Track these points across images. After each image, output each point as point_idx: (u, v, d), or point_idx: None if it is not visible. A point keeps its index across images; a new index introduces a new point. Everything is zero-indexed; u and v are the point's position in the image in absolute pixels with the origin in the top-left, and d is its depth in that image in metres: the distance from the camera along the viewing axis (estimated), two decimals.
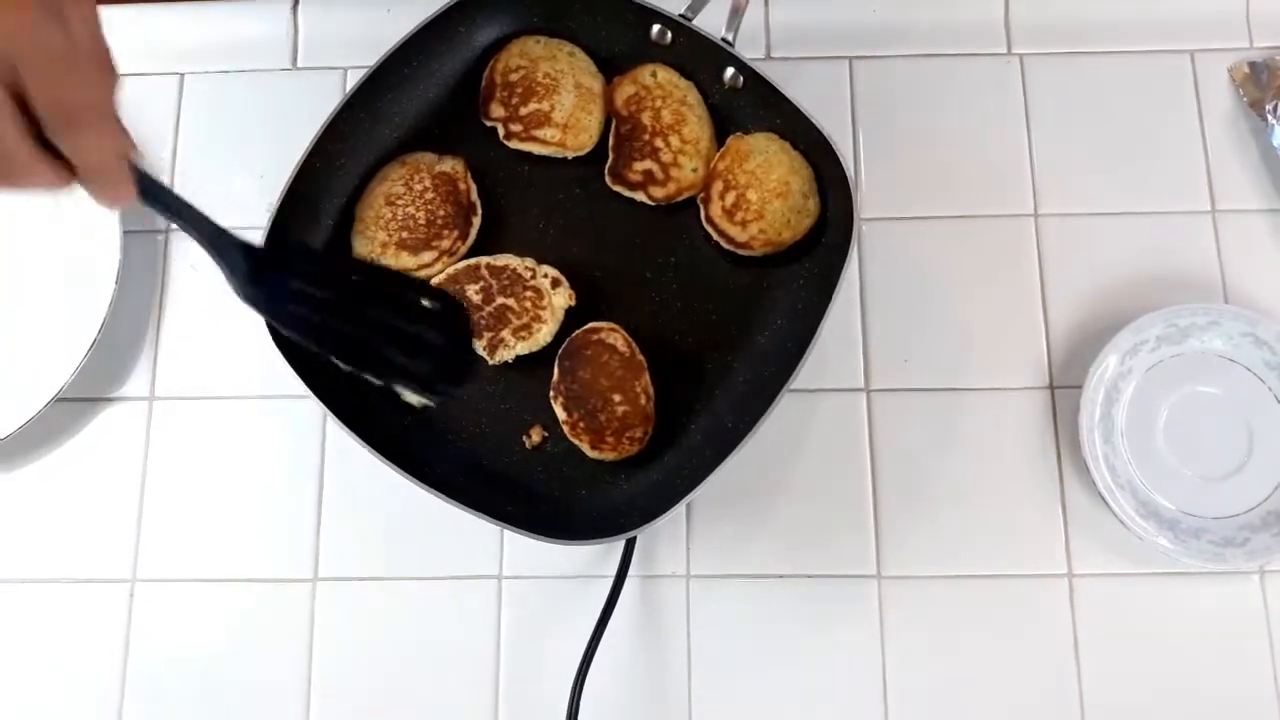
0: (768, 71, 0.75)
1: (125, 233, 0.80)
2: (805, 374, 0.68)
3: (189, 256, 0.83)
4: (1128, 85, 0.85)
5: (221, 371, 0.81)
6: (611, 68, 0.81)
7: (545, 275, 0.75)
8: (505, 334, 0.74)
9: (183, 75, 0.88)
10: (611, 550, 0.74)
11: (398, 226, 0.76)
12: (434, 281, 0.75)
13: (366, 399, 0.74)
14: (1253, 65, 0.84)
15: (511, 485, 0.74)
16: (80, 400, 0.80)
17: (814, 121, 0.73)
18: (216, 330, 0.82)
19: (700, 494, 0.67)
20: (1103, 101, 0.85)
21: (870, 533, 0.77)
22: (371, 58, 0.75)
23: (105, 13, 0.55)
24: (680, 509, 0.68)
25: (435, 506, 0.68)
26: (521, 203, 0.79)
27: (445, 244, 0.76)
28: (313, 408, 0.74)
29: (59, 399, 0.77)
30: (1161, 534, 0.74)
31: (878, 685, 0.74)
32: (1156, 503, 0.76)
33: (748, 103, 0.77)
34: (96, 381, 0.80)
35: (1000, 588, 0.75)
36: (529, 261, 0.75)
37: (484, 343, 0.74)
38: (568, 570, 0.76)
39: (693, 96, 0.79)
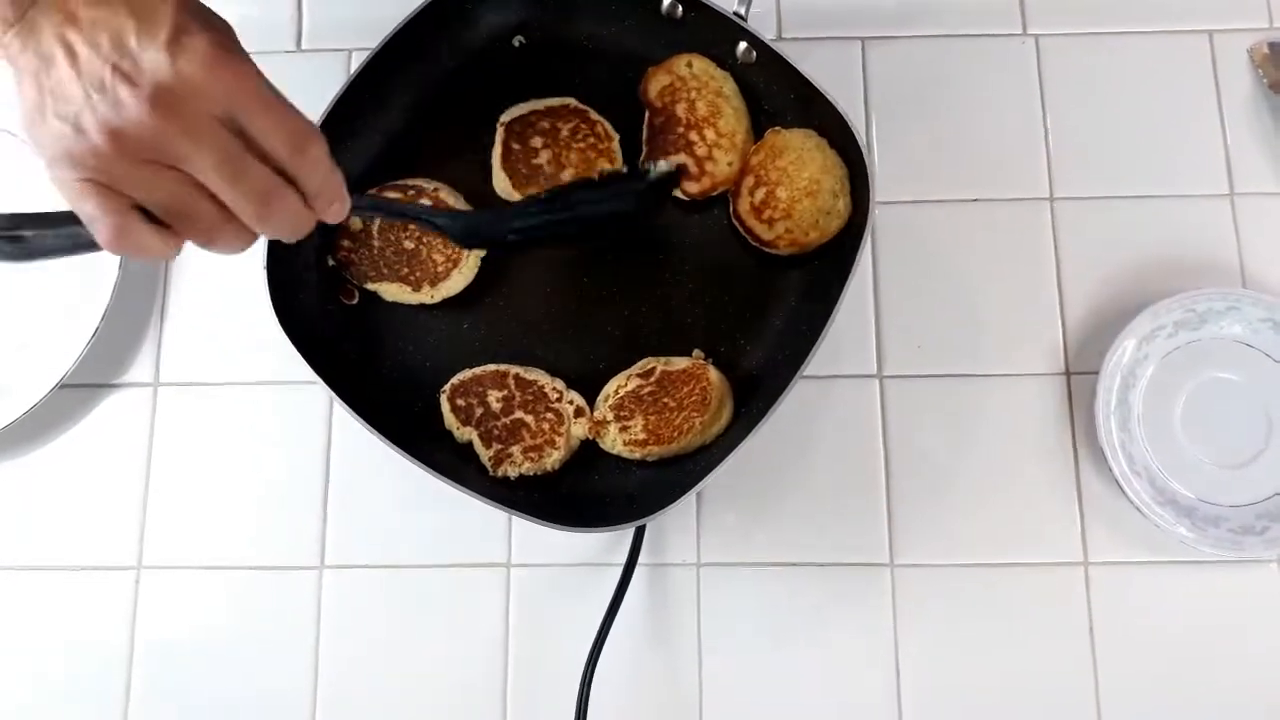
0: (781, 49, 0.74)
1: None
2: (817, 359, 0.67)
3: None
4: (1145, 66, 0.84)
5: (227, 357, 0.80)
6: (622, 44, 0.79)
7: (570, 402, 0.73)
8: (515, 450, 0.72)
9: None
10: (621, 538, 0.74)
11: (392, 260, 0.75)
12: (458, 380, 0.73)
13: (373, 384, 0.73)
14: (1272, 46, 0.83)
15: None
16: (85, 386, 0.80)
17: (828, 97, 0.72)
18: (221, 316, 0.81)
19: (711, 481, 0.66)
20: (1119, 83, 0.84)
21: (883, 520, 0.76)
22: (376, 38, 0.74)
23: None
24: (691, 496, 0.67)
25: (443, 493, 0.67)
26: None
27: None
28: (319, 393, 0.74)
29: (63, 385, 0.77)
30: (1179, 522, 0.73)
31: (891, 674, 0.73)
32: (1174, 490, 0.75)
33: (761, 79, 0.76)
34: (101, 367, 0.80)
35: (1015, 576, 0.75)
36: (559, 383, 0.73)
37: (491, 453, 0.72)
38: (577, 558, 0.76)
39: (729, 88, 0.77)
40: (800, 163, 0.74)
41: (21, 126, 0.48)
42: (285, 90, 0.88)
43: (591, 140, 0.77)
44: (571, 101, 0.78)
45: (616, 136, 0.78)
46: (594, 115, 0.78)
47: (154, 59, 0.45)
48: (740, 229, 0.75)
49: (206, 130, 0.46)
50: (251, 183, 0.48)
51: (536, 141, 0.77)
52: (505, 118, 0.78)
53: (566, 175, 0.76)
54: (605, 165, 0.76)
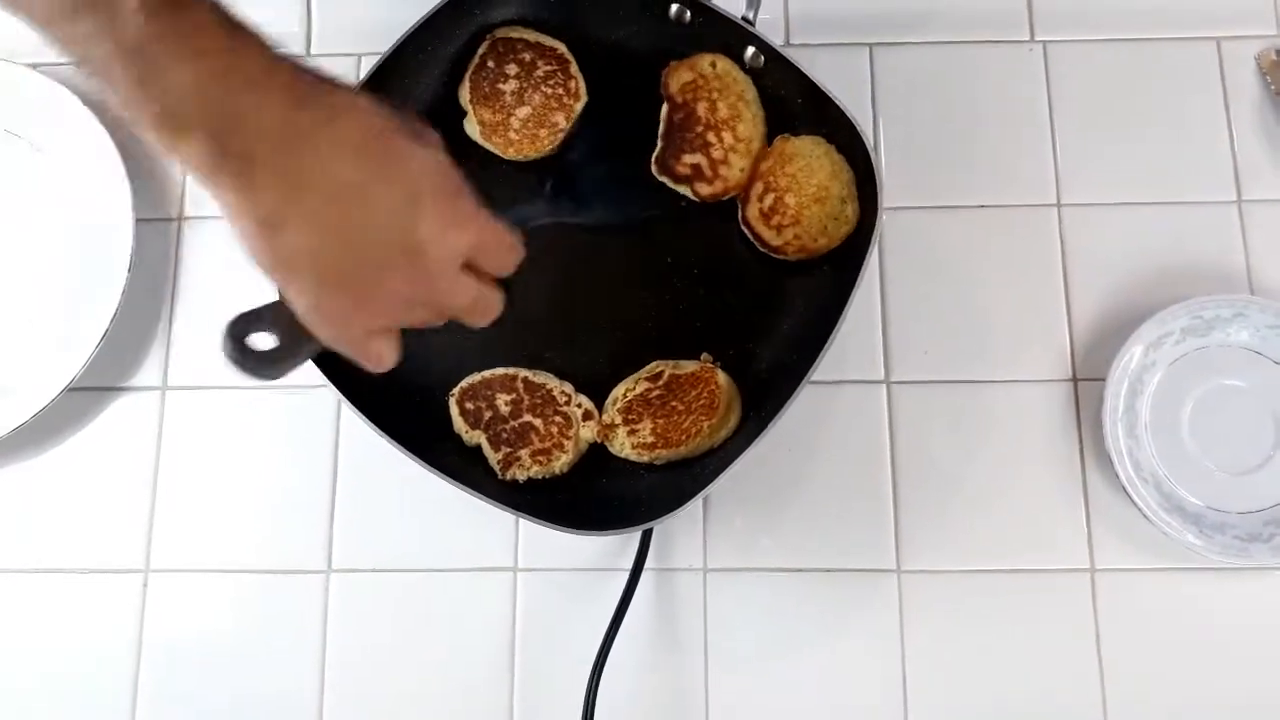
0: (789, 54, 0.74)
1: (138, 221, 0.79)
2: (824, 364, 0.67)
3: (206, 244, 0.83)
4: (1152, 73, 0.84)
5: None
6: (630, 49, 0.79)
7: (579, 405, 0.73)
8: (523, 454, 0.72)
9: None
10: (628, 543, 0.74)
11: None
12: (467, 384, 0.74)
13: (382, 387, 0.73)
14: None
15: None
16: (93, 390, 0.80)
17: (837, 102, 0.72)
18: (230, 319, 0.81)
19: (718, 486, 0.66)
20: (1127, 90, 0.84)
21: (889, 526, 0.76)
22: (385, 44, 0.75)
23: None
24: (698, 501, 0.67)
25: (450, 496, 0.67)
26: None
27: None
28: (327, 396, 0.74)
29: (71, 388, 0.77)
30: (1186, 528, 0.73)
31: (897, 680, 0.73)
32: (1180, 497, 0.75)
33: (769, 83, 0.76)
34: (109, 371, 0.80)
35: (1021, 582, 0.75)
36: (567, 386, 0.74)
37: (499, 457, 0.72)
38: (583, 562, 0.76)
39: (750, 93, 0.76)
40: (809, 170, 0.74)
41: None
42: None
43: (560, 93, 0.78)
44: (562, 48, 0.79)
45: (585, 100, 0.78)
46: (574, 70, 0.79)
47: (426, 230, 0.50)
48: (749, 234, 0.75)
49: (458, 285, 0.53)
50: (490, 312, 0.56)
51: (511, 69, 0.78)
52: (497, 33, 0.79)
53: (521, 114, 0.77)
54: (561, 120, 0.77)
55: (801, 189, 0.74)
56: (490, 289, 0.55)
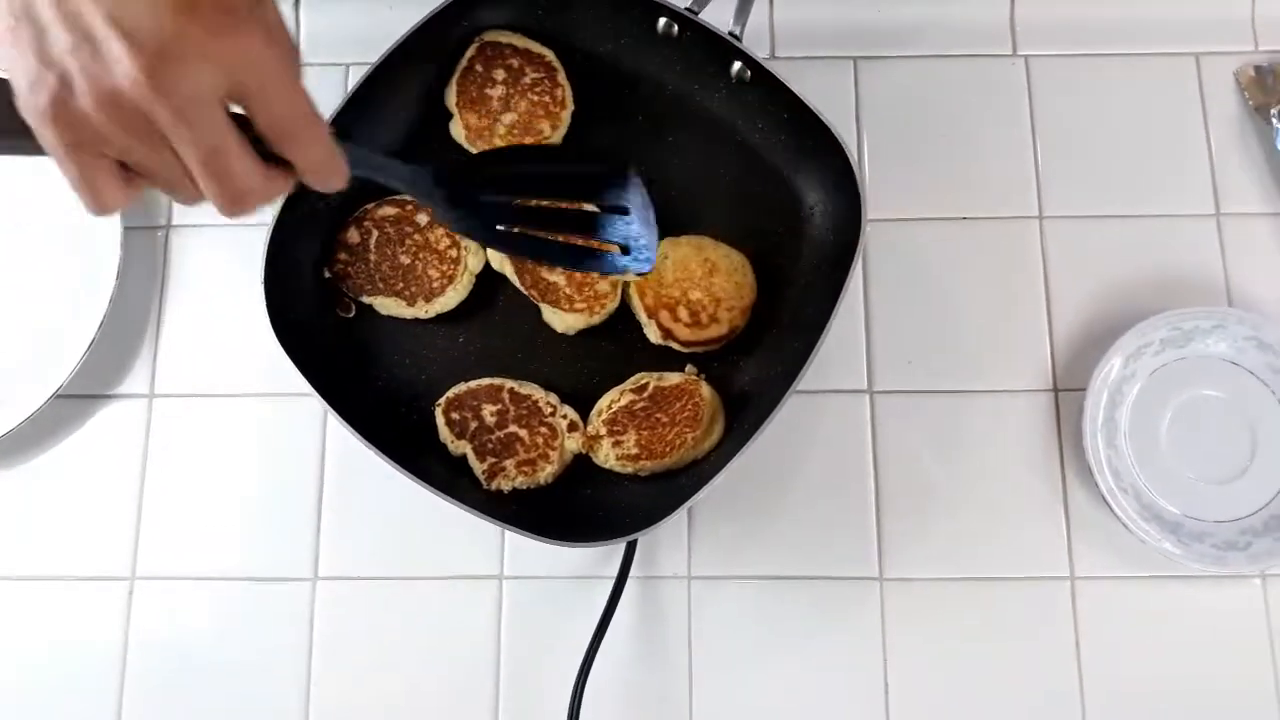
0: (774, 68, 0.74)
1: (126, 229, 0.80)
2: (807, 375, 0.68)
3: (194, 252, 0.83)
4: (1133, 88, 0.85)
5: (222, 368, 0.80)
6: (618, 63, 0.80)
7: (564, 416, 0.73)
8: (508, 464, 0.72)
9: None
10: (613, 551, 0.74)
11: (388, 274, 0.76)
12: (453, 394, 0.74)
13: (368, 397, 0.74)
14: (1258, 69, 0.84)
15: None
16: (80, 397, 0.80)
17: (820, 116, 0.72)
18: (217, 327, 0.81)
19: (703, 496, 0.67)
20: (1108, 104, 0.85)
21: (872, 535, 0.76)
22: (374, 54, 0.75)
23: None
24: (682, 511, 0.67)
25: (436, 506, 0.67)
26: None
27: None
28: (314, 405, 0.74)
29: (59, 395, 0.77)
30: (1164, 537, 0.74)
31: (879, 688, 0.74)
32: (1159, 506, 0.75)
33: (754, 98, 0.77)
34: (96, 378, 0.80)
35: (1002, 591, 0.75)
36: (553, 398, 0.74)
37: (485, 467, 0.72)
38: (569, 571, 0.76)
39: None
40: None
41: None
42: None
43: (546, 101, 0.78)
44: (550, 56, 0.80)
45: (572, 108, 0.79)
46: (561, 79, 0.79)
47: (154, 13, 0.39)
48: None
49: (202, 114, 0.42)
50: (234, 182, 0.44)
51: (499, 74, 0.78)
52: (486, 36, 0.79)
53: (506, 119, 0.77)
54: (546, 128, 0.77)
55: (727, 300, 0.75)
56: (249, 170, 0.44)
